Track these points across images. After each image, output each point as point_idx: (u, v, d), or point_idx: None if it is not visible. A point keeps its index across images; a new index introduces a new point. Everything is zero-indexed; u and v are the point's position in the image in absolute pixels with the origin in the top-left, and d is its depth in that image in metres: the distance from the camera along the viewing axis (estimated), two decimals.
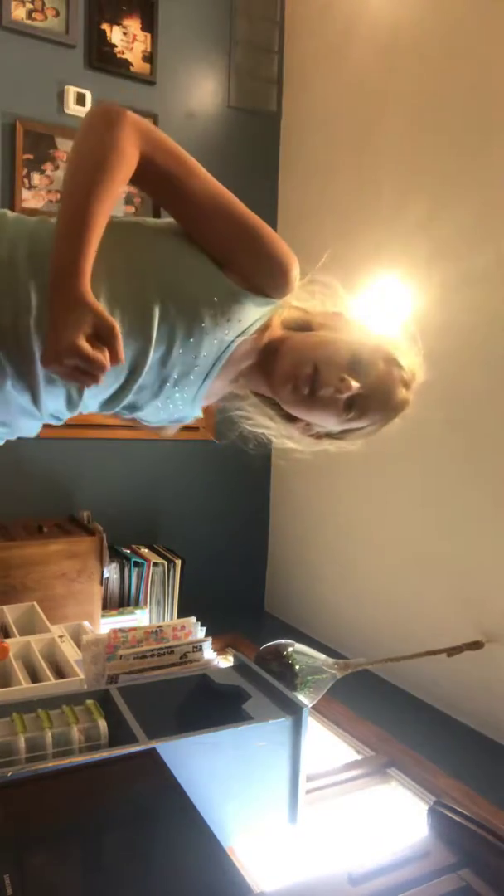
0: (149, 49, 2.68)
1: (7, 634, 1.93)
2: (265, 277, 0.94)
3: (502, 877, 1.23)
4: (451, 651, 1.93)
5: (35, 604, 2.11)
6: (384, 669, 2.23)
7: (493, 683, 1.95)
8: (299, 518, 2.87)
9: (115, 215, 0.89)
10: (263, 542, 3.07)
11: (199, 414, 1.09)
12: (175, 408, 1.04)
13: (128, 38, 2.64)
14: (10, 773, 1.08)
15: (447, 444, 2.11)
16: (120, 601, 2.50)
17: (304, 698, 1.54)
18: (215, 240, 0.93)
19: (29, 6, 2.47)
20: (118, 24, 2.62)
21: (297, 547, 2.90)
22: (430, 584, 2.18)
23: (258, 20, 2.90)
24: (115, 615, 2.40)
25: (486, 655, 1.94)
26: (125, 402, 0.99)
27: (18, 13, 2.45)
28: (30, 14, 2.47)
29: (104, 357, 0.78)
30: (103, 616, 2.35)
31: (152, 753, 1.14)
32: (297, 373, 0.97)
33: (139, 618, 2.44)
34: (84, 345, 0.77)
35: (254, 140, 2.92)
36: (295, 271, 0.96)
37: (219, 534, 2.91)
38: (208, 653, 1.59)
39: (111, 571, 2.45)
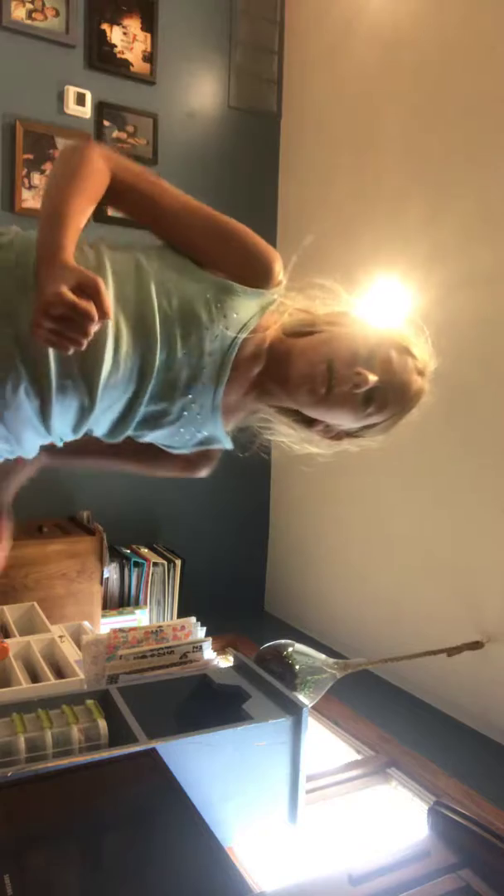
0: (149, 49, 2.68)
1: (7, 634, 1.93)
2: (249, 268, 0.98)
3: (502, 877, 1.22)
4: (451, 651, 1.93)
5: (35, 604, 2.11)
6: (384, 669, 2.23)
7: (493, 683, 1.95)
8: (299, 518, 2.87)
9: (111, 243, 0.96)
10: (263, 542, 3.07)
11: (223, 437, 1.05)
12: (194, 423, 1.01)
13: (128, 38, 2.64)
14: (10, 773, 1.08)
15: (447, 444, 2.11)
16: (120, 601, 2.50)
17: (304, 698, 1.54)
18: (198, 243, 0.98)
19: (29, 6, 2.46)
20: (118, 24, 2.62)
21: (297, 547, 2.90)
22: (430, 583, 2.18)
23: (258, 20, 2.90)
24: (115, 615, 2.40)
25: (486, 655, 1.95)
26: (138, 415, 0.97)
27: (18, 13, 2.45)
28: (30, 14, 2.47)
29: (90, 306, 0.77)
30: (103, 616, 2.35)
31: (152, 753, 1.15)
32: (312, 372, 0.97)
33: (139, 618, 2.44)
34: (69, 292, 0.76)
35: (254, 140, 2.92)
36: (278, 262, 1.00)
37: (219, 534, 2.91)
38: (208, 653, 1.59)
39: (111, 571, 2.45)
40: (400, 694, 2.22)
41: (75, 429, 0.97)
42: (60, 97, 2.54)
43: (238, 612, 2.76)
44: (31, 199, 2.48)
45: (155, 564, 2.53)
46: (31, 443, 1.00)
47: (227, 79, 2.86)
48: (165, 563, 2.55)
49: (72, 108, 2.53)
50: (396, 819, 1.61)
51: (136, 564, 2.50)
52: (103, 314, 0.78)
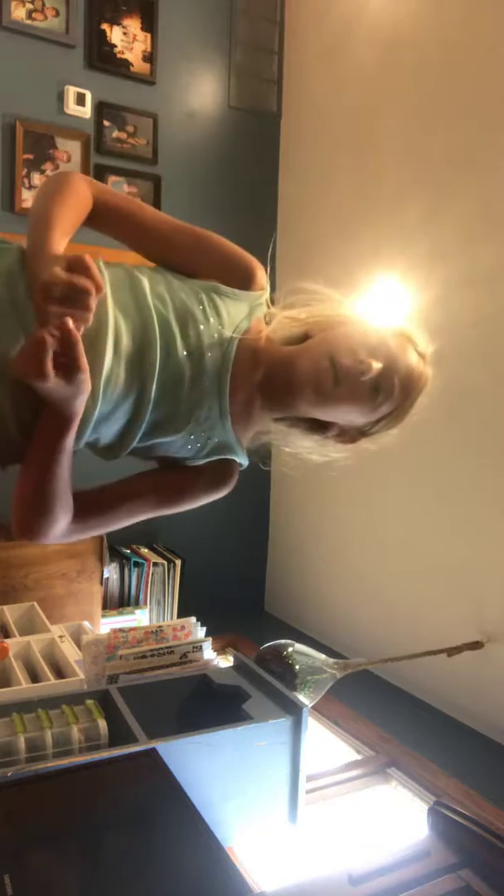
0: (149, 49, 2.68)
1: (7, 634, 1.93)
2: (233, 273, 1.02)
3: (502, 877, 1.22)
4: (451, 651, 1.93)
5: (35, 604, 2.11)
6: (384, 669, 2.23)
7: (493, 683, 1.95)
8: (299, 518, 2.87)
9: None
10: (263, 543, 3.07)
11: (235, 443, 1.05)
12: (204, 429, 1.01)
13: (128, 38, 2.64)
14: (10, 773, 1.08)
15: (447, 444, 2.11)
16: (120, 601, 2.50)
17: (304, 698, 1.54)
18: (182, 255, 1.03)
19: (29, 6, 2.47)
20: (118, 24, 2.62)
21: (297, 547, 2.90)
22: (430, 584, 2.18)
23: (258, 20, 2.90)
24: (115, 615, 2.40)
25: (486, 655, 1.95)
26: (145, 420, 0.96)
27: (18, 13, 2.45)
28: (30, 14, 2.47)
29: (85, 280, 0.77)
30: (103, 616, 2.35)
31: (152, 753, 1.14)
32: (315, 369, 0.97)
33: (139, 618, 2.44)
34: (62, 272, 0.77)
35: (254, 140, 2.92)
36: (259, 267, 1.04)
37: (219, 534, 2.91)
38: (208, 653, 1.59)
39: (111, 571, 2.45)
40: (400, 694, 2.22)
41: (79, 435, 0.96)
42: (60, 97, 2.54)
43: (238, 612, 2.76)
44: (31, 199, 2.47)
45: (155, 564, 2.53)
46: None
47: (227, 79, 2.86)
48: (165, 563, 2.55)
49: (72, 108, 2.53)
50: (396, 819, 1.61)
51: (136, 564, 2.50)
52: (98, 287, 0.79)
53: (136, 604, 2.50)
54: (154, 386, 0.95)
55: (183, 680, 1.47)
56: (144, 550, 2.64)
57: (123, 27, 2.63)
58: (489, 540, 1.98)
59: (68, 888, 0.88)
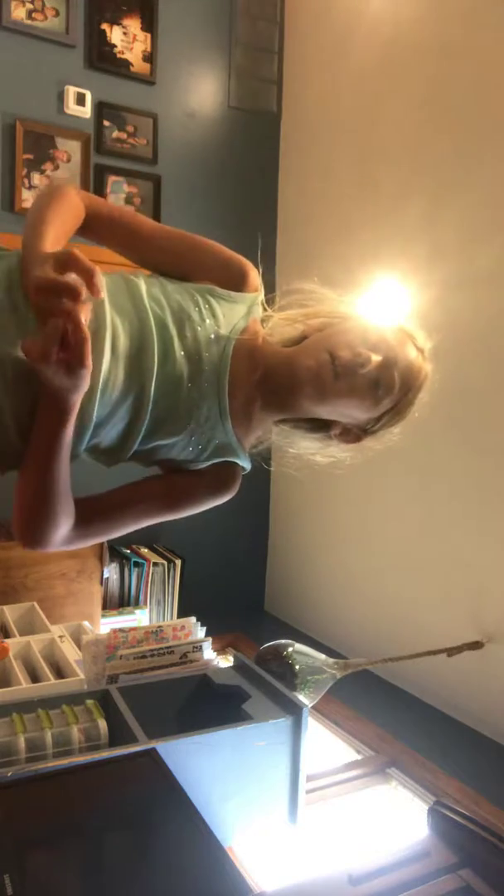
0: (149, 49, 2.68)
1: (7, 634, 1.93)
2: (226, 275, 1.03)
3: (502, 877, 1.23)
4: (451, 651, 1.93)
5: (35, 604, 2.11)
6: (384, 669, 2.23)
7: (493, 683, 1.95)
8: (299, 518, 2.87)
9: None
10: (263, 543, 3.07)
11: (236, 445, 1.05)
12: (205, 430, 1.00)
13: (128, 38, 2.64)
14: (10, 773, 1.08)
15: (447, 444, 2.11)
16: (120, 601, 2.50)
17: (304, 698, 1.54)
18: (175, 260, 1.04)
19: (29, 6, 2.47)
20: (118, 24, 2.62)
21: (297, 547, 2.90)
22: (430, 584, 2.18)
23: (258, 20, 2.90)
24: (115, 615, 2.40)
25: (486, 655, 1.94)
26: (145, 421, 0.96)
27: (18, 13, 2.45)
28: (30, 14, 2.47)
29: (72, 275, 0.78)
30: (103, 616, 2.35)
31: (152, 753, 1.15)
32: (314, 365, 0.97)
33: (139, 618, 2.44)
34: (50, 271, 0.78)
35: (254, 140, 2.92)
36: (252, 268, 1.05)
37: (219, 534, 2.91)
38: (208, 653, 1.59)
39: (111, 571, 2.45)
40: (400, 694, 2.22)
41: (78, 438, 0.96)
42: (60, 97, 2.54)
43: (238, 612, 2.75)
44: (31, 199, 2.47)
45: (155, 564, 2.53)
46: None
47: (227, 79, 2.86)
48: (165, 563, 2.55)
49: (72, 107, 2.53)
50: (396, 819, 1.61)
51: (136, 564, 2.50)
52: (89, 278, 0.78)
53: (136, 604, 2.50)
54: (153, 386, 0.95)
55: (183, 680, 1.47)
56: (144, 550, 2.64)
57: (123, 27, 2.63)
58: (489, 540, 1.98)
59: (68, 888, 0.88)
